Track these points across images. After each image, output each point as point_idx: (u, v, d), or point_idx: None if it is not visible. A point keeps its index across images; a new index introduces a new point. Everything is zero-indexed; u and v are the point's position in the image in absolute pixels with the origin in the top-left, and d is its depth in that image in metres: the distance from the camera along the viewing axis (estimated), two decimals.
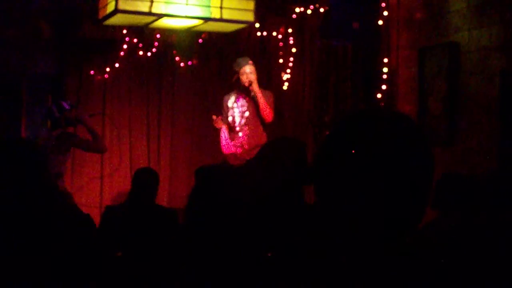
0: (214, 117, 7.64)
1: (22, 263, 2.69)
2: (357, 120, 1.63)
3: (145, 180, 6.05)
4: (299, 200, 3.37)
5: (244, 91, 7.54)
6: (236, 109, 7.61)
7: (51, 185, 3.11)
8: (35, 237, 2.74)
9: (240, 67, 7.56)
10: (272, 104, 7.54)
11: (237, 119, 7.54)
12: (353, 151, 1.56)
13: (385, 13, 7.74)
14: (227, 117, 7.63)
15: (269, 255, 2.85)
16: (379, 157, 1.55)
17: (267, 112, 7.45)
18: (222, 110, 7.70)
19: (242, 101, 7.55)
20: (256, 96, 7.42)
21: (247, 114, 7.52)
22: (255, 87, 7.43)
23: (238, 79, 7.57)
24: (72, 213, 3.02)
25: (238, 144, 7.50)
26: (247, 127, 7.49)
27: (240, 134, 7.52)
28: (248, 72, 7.48)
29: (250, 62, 7.56)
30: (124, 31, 9.19)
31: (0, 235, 2.71)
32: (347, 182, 1.56)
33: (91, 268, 2.90)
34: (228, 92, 7.83)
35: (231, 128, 7.58)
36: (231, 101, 7.65)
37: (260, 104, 7.41)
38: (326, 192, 1.60)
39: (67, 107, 7.55)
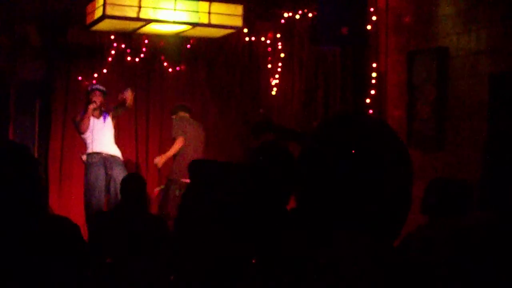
0: None
1: (12, 268, 2.68)
2: (334, 126, 1.65)
3: (131, 187, 6.01)
4: (284, 206, 3.35)
5: None
6: None
7: (43, 189, 3.10)
8: (28, 241, 2.72)
9: None
10: None
11: None
12: (332, 155, 1.57)
13: (374, 17, 7.74)
14: None
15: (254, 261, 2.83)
16: (357, 160, 1.56)
17: None
18: None
19: None
20: None
21: None
22: None
23: None
24: (60, 218, 3.01)
25: None
26: None
27: None
28: None
29: None
30: (112, 37, 9.18)
31: None
32: (328, 186, 1.57)
33: (81, 274, 2.89)
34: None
35: None
36: None
37: None
38: (307, 196, 1.60)
39: None
